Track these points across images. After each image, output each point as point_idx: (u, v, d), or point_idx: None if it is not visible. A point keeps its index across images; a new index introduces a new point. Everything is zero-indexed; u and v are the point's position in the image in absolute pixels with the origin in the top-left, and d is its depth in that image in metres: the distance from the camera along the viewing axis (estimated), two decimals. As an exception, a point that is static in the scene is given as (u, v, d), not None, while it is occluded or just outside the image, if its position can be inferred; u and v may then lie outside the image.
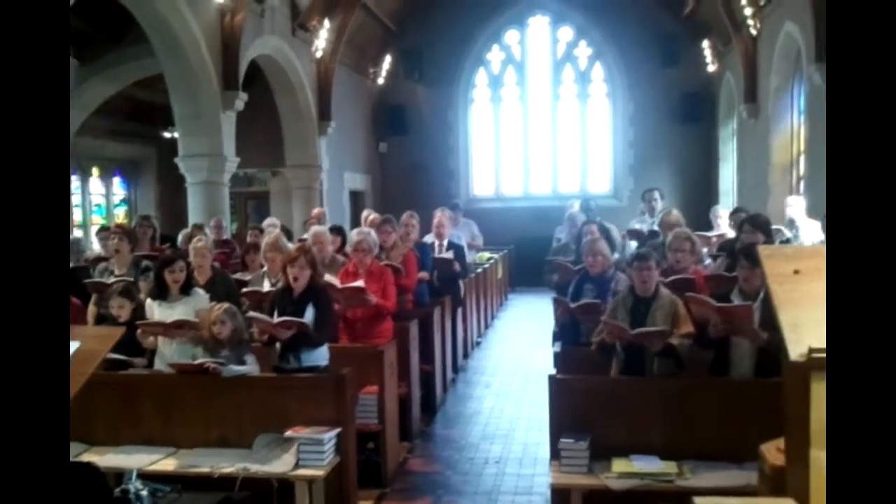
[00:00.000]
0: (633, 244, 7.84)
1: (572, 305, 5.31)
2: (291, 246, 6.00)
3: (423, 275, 7.40)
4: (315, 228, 6.95)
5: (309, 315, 4.90)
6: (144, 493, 2.90)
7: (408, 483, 5.58)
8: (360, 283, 5.69)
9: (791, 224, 7.70)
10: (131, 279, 6.03)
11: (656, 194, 8.71)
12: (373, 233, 6.23)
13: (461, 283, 8.65)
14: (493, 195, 18.75)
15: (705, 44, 16.06)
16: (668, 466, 4.08)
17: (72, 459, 3.49)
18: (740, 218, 7.42)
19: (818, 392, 1.67)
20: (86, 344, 2.28)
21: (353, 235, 6.17)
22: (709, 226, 8.61)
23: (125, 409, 4.79)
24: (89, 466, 2.97)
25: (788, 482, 2.07)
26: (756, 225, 5.65)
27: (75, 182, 15.34)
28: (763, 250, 2.10)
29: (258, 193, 15.41)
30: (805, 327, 1.85)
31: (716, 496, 2.21)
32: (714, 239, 7.67)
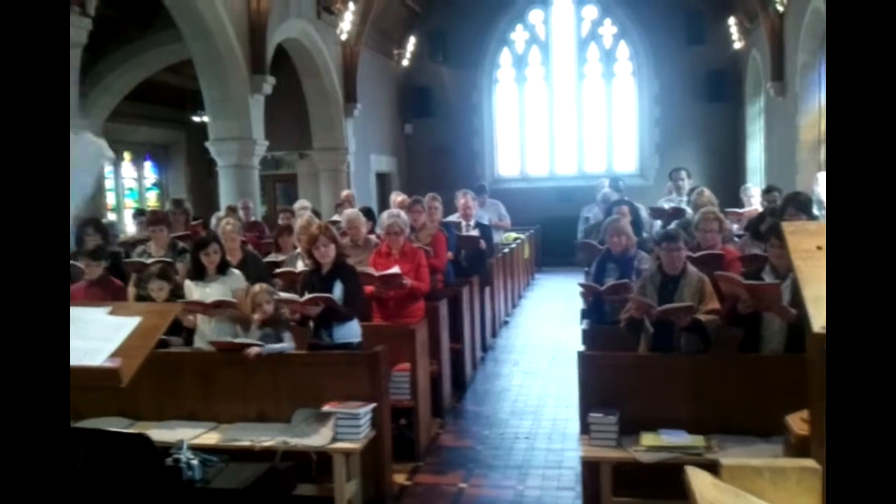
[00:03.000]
0: (658, 223, 7.89)
1: (600, 289, 5.39)
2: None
3: (448, 254, 7.52)
4: (348, 212, 7.07)
5: (337, 291, 5.05)
6: (195, 462, 3.05)
7: (440, 457, 5.73)
8: (395, 269, 5.81)
9: (820, 203, 7.70)
10: (169, 260, 6.20)
11: (683, 173, 8.74)
12: (403, 214, 6.34)
13: (488, 262, 8.75)
14: (519, 175, 18.77)
15: (731, 21, 15.90)
16: (696, 440, 4.17)
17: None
18: (773, 196, 7.46)
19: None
20: (146, 320, 2.42)
21: (384, 218, 6.28)
22: (737, 204, 8.63)
23: (168, 386, 4.95)
24: (141, 437, 3.13)
25: (812, 450, 2.16)
26: (799, 206, 5.61)
27: (108, 167, 15.60)
28: (787, 226, 2.17)
29: (286, 176, 15.58)
30: (827, 301, 1.92)
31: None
32: (745, 215, 7.70)
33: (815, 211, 7.39)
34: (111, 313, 2.59)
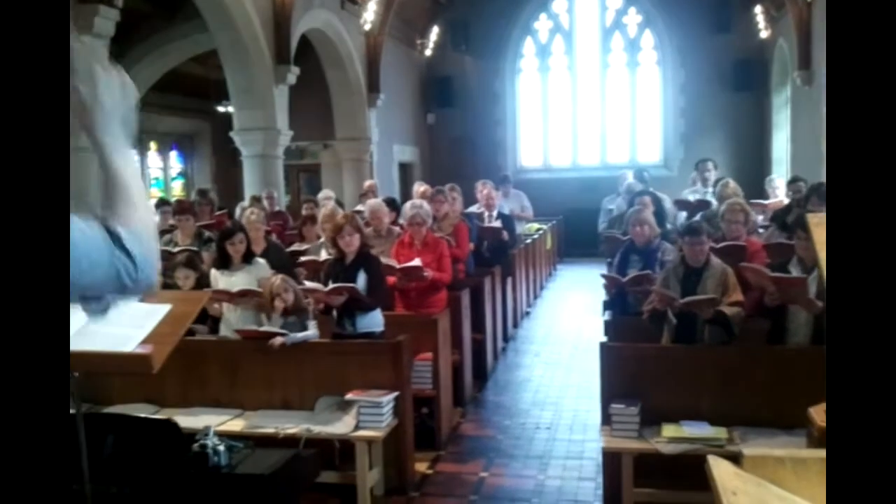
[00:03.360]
0: (683, 214, 7.84)
1: (623, 280, 5.39)
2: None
3: (469, 245, 7.53)
4: (371, 202, 7.11)
5: (361, 281, 5.09)
6: (221, 447, 3.10)
7: (461, 446, 5.76)
8: (416, 261, 5.84)
9: None
10: (195, 249, 6.28)
11: (710, 164, 8.67)
12: (426, 205, 6.36)
13: (511, 253, 8.76)
14: (541, 166, 18.71)
15: (758, 9, 15.70)
16: (719, 432, 4.17)
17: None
18: (799, 187, 7.39)
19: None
20: (176, 307, 2.46)
21: (406, 209, 6.30)
22: (762, 195, 8.55)
23: (193, 373, 5.03)
24: (169, 423, 3.19)
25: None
26: (822, 197, 5.59)
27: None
28: (812, 218, 2.16)
29: (309, 166, 15.66)
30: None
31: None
32: (770, 206, 7.64)
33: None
34: (142, 300, 2.64)
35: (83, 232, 1.45)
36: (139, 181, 1.67)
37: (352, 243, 5.14)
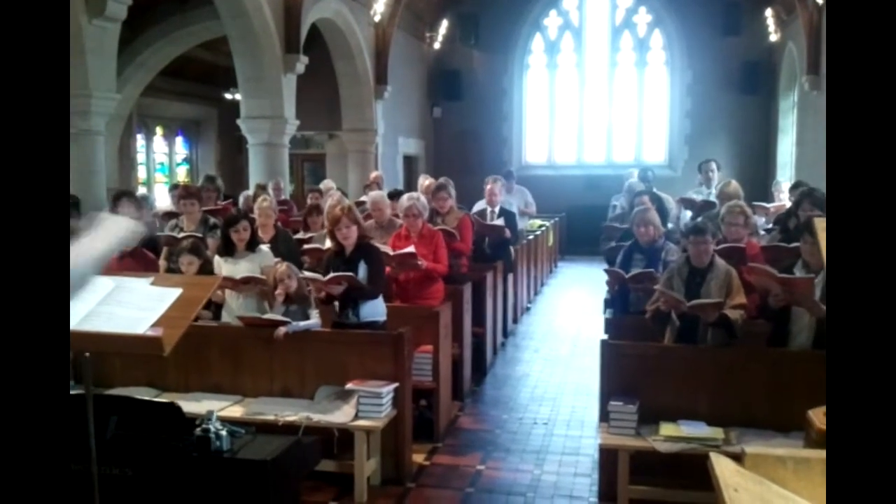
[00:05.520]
0: (688, 214, 7.86)
1: (626, 276, 5.40)
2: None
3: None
4: (373, 193, 7.13)
5: (361, 272, 5.10)
6: (223, 432, 3.13)
7: (458, 439, 5.79)
8: (410, 248, 5.86)
9: None
10: (200, 235, 6.29)
11: (713, 165, 8.68)
12: (422, 197, 6.37)
13: (512, 249, 8.77)
14: (546, 163, 18.71)
15: (768, 12, 15.68)
16: (715, 432, 4.19)
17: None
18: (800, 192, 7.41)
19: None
20: (187, 291, 2.49)
21: (403, 201, 6.31)
22: (767, 198, 8.57)
23: (195, 359, 5.05)
24: (172, 406, 3.22)
25: (833, 445, 2.18)
26: (814, 202, 5.65)
27: (140, 141, 15.80)
28: (819, 223, 2.18)
29: (314, 156, 15.67)
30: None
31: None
32: (772, 209, 7.65)
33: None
34: (153, 284, 2.66)
35: None
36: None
37: (349, 235, 5.13)
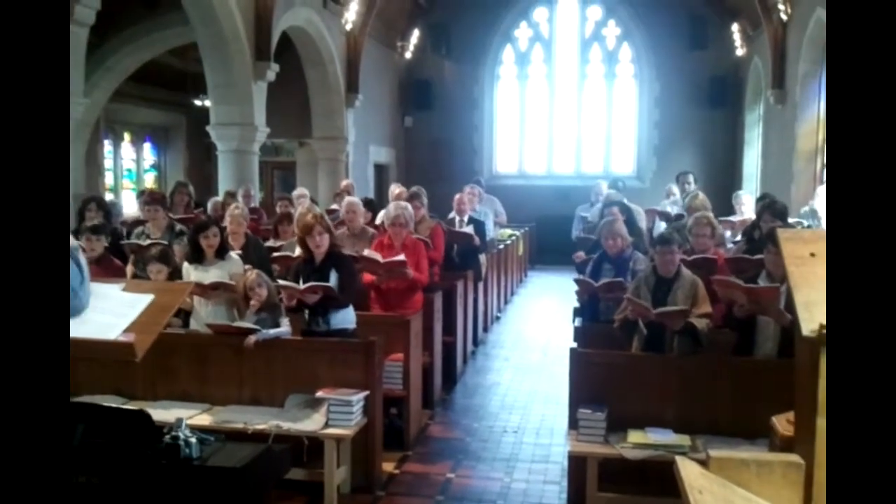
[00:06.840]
0: (663, 225, 7.99)
1: (596, 284, 5.47)
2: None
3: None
4: (349, 199, 7.12)
5: (332, 280, 5.08)
6: (193, 440, 3.11)
7: (429, 448, 5.80)
8: (401, 257, 5.84)
9: (813, 214, 7.80)
10: (166, 242, 6.24)
11: (690, 177, 8.85)
12: (409, 207, 6.36)
13: (482, 257, 8.81)
14: (516, 173, 18.83)
15: (734, 27, 15.98)
16: (682, 439, 4.25)
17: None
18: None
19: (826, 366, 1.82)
20: (159, 297, 2.48)
21: (390, 209, 6.28)
22: (731, 210, 8.72)
23: (163, 366, 4.99)
24: (141, 413, 3.19)
25: (796, 450, 2.24)
26: (775, 213, 5.82)
27: (108, 147, 15.60)
28: (782, 233, 2.23)
29: (285, 163, 15.61)
30: (818, 306, 1.98)
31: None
32: (738, 223, 7.80)
33: (809, 222, 7.51)
34: (125, 290, 2.65)
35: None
36: None
37: (321, 243, 5.11)
